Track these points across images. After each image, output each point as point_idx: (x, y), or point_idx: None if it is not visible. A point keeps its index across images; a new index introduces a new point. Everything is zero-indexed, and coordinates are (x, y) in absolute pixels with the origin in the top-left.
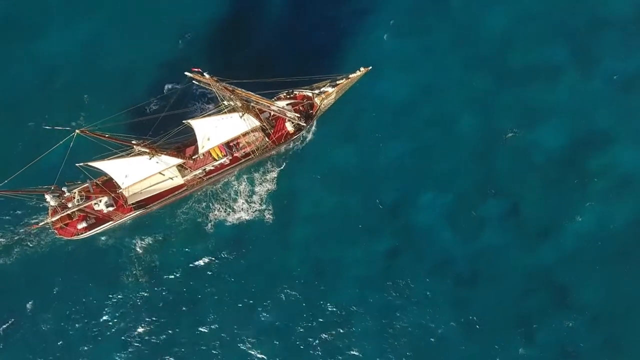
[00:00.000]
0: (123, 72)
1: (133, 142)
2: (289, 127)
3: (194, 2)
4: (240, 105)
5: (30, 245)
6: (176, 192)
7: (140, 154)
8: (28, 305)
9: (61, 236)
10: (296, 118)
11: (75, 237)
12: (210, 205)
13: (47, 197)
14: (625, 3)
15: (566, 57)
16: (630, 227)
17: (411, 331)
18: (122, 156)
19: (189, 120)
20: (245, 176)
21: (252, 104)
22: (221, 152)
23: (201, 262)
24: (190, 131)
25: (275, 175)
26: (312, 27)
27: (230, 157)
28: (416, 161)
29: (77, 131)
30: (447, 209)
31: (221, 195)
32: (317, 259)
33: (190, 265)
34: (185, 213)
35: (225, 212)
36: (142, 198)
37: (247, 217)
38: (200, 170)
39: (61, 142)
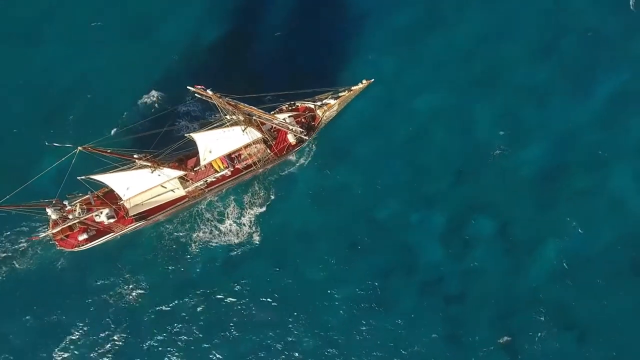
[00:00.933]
0: (120, 89)
1: (135, 156)
2: (291, 138)
3: (194, 18)
4: (243, 119)
5: (18, 265)
6: (178, 204)
7: (141, 167)
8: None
9: (62, 248)
10: (299, 132)
11: (76, 249)
12: (196, 226)
13: (49, 210)
14: (613, 20)
15: (553, 74)
16: (619, 246)
17: (400, 348)
18: (124, 169)
19: (191, 134)
20: (232, 197)
21: (254, 118)
22: (223, 163)
23: (188, 285)
24: (191, 144)
25: (264, 195)
26: (313, 40)
27: (232, 169)
28: (405, 180)
29: (79, 148)
30: (436, 227)
31: (205, 215)
32: (307, 279)
33: (177, 286)
34: (169, 233)
35: (210, 233)
36: (144, 209)
37: (235, 240)
38: (201, 182)
39: (63, 159)
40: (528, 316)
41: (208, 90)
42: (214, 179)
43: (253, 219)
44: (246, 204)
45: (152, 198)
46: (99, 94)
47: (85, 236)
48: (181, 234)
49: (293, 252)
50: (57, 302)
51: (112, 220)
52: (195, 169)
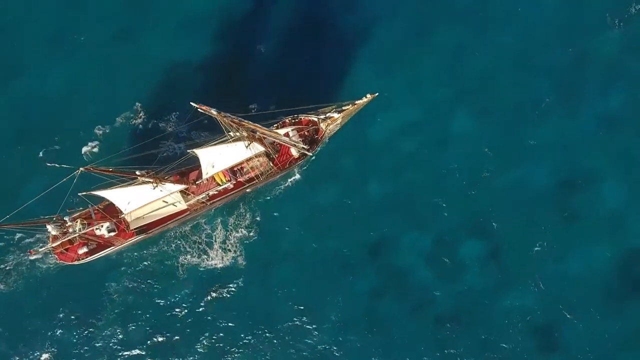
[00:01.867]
0: (106, 106)
1: (137, 173)
2: (294, 151)
3: (196, 33)
4: (247, 135)
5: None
6: (179, 217)
7: (143, 183)
8: None
9: (62, 261)
10: (303, 148)
11: (76, 262)
12: (182, 248)
13: (49, 227)
14: (610, 39)
15: (549, 93)
16: (614, 269)
17: None
18: (125, 185)
19: (194, 150)
20: (219, 219)
21: (257, 134)
22: (225, 177)
23: (175, 307)
24: (193, 159)
25: (251, 217)
26: (316, 53)
27: (234, 182)
28: (397, 201)
29: (80, 169)
30: (428, 249)
31: (191, 238)
32: (297, 302)
33: (165, 310)
34: (154, 256)
35: (198, 257)
36: (145, 223)
37: (220, 264)
38: (203, 195)
39: (65, 179)
40: (517, 340)
41: (213, 110)
42: (216, 192)
43: (238, 242)
44: (231, 226)
45: (153, 212)
46: (84, 111)
47: (85, 250)
48: (160, 260)
49: (279, 275)
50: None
51: (112, 234)
52: (197, 182)
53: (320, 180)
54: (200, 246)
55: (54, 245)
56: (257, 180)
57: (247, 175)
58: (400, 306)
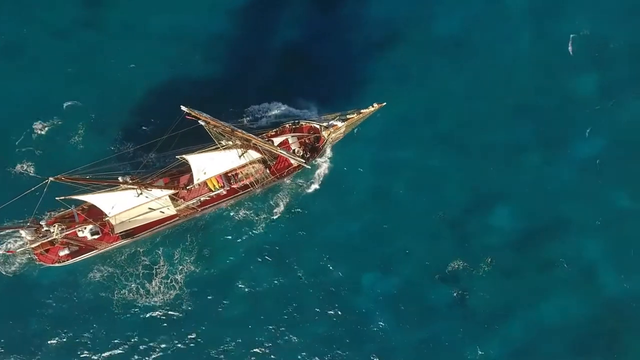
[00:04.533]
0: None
1: (119, 179)
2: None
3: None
4: (240, 144)
5: None
6: (167, 222)
7: (127, 189)
8: None
9: (42, 263)
10: (300, 160)
11: (57, 264)
12: (118, 281)
13: (23, 232)
14: (590, 82)
15: (527, 136)
16: (588, 321)
17: None
18: (107, 191)
19: (185, 155)
20: (162, 248)
21: (252, 143)
22: (218, 182)
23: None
24: (182, 165)
25: (197, 250)
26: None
27: (228, 188)
28: (361, 242)
29: (50, 179)
30: (391, 293)
31: (128, 269)
32: (251, 345)
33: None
34: (89, 284)
35: (136, 292)
36: (131, 227)
37: (159, 302)
38: (194, 201)
39: (33, 189)
40: None
41: (204, 114)
42: (208, 198)
43: (182, 277)
44: (175, 259)
45: (139, 215)
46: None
47: (66, 252)
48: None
49: (231, 314)
50: None
51: (96, 237)
52: (187, 187)
53: (283, 215)
54: (137, 280)
55: (33, 246)
56: (252, 188)
57: (242, 182)
58: (358, 354)
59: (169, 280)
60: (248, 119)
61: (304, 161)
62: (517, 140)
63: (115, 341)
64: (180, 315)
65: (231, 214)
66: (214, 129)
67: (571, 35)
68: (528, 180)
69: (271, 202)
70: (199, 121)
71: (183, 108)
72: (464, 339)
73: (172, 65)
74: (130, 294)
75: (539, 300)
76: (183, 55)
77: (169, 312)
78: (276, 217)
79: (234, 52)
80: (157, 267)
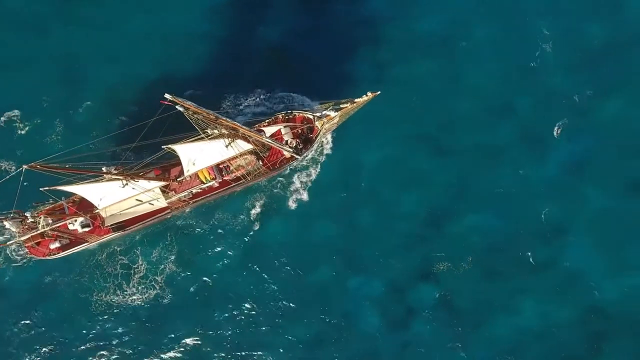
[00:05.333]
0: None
1: (103, 169)
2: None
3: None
4: (227, 133)
5: None
6: (158, 215)
7: (111, 180)
8: None
9: (33, 255)
10: (290, 151)
11: (48, 257)
12: (96, 281)
13: (7, 223)
14: (576, 84)
15: (511, 138)
16: (572, 326)
17: None
18: (92, 182)
19: (171, 146)
20: (140, 248)
21: (240, 132)
22: (210, 174)
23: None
24: (170, 154)
25: (177, 249)
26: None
27: (220, 180)
28: (345, 243)
29: (24, 167)
30: (375, 295)
31: (107, 269)
32: (230, 346)
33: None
34: (68, 285)
35: (113, 292)
36: (122, 220)
37: (140, 302)
38: (185, 193)
39: (7, 178)
40: None
41: (186, 101)
42: (200, 190)
43: (163, 277)
44: (153, 258)
45: (130, 208)
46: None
47: (57, 245)
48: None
49: (209, 319)
50: None
51: (86, 230)
52: (178, 179)
53: (265, 216)
54: (115, 280)
55: (23, 239)
56: (244, 180)
57: (234, 174)
58: (341, 356)
59: (148, 280)
60: (239, 108)
61: (293, 151)
62: (498, 140)
63: (97, 343)
64: (161, 314)
65: (214, 212)
66: (195, 116)
67: (546, 32)
68: (511, 180)
69: (250, 203)
70: (177, 106)
71: (167, 96)
72: (449, 342)
73: (156, 62)
74: (108, 296)
75: (521, 301)
76: (169, 50)
77: (150, 312)
78: (256, 217)
79: (222, 49)
80: (135, 266)
